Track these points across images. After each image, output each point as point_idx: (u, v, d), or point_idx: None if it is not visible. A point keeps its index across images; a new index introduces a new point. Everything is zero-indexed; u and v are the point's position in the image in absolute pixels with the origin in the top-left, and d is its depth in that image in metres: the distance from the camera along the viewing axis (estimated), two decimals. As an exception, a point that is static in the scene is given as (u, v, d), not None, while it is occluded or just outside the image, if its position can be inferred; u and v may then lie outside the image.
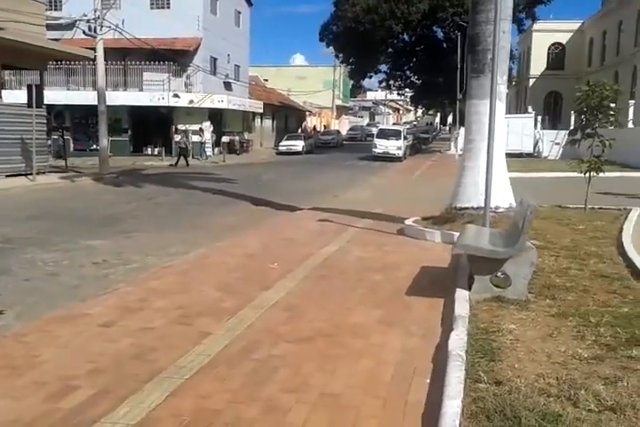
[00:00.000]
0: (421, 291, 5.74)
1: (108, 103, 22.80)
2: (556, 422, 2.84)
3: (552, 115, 42.76)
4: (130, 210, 12.97)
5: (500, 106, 8.54)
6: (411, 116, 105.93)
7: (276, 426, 3.14)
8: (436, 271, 6.64)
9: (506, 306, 4.90)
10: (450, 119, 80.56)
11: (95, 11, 21.64)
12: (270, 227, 10.24)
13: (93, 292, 5.91)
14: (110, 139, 24.51)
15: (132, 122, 32.55)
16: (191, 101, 31.64)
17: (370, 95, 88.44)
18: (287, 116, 50.63)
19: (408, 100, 69.67)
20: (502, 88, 8.83)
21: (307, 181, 19.72)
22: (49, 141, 23.30)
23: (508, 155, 10.32)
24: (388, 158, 31.06)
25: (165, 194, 16.03)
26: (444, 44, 37.61)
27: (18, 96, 22.32)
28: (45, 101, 19.74)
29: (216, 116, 33.98)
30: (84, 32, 21.99)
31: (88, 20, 21.86)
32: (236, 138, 36.31)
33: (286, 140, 39.22)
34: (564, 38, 44.05)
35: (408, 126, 51.25)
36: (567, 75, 44.32)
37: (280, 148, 38.54)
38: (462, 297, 5.09)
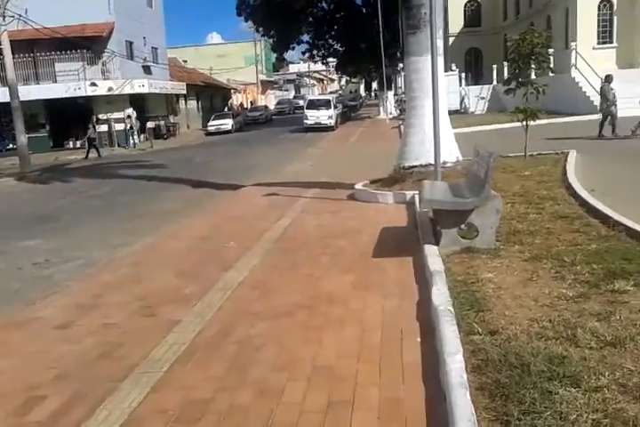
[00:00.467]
0: (388, 252, 5.60)
1: (20, 99, 21.40)
2: (564, 364, 2.75)
3: (474, 71, 43.36)
4: (62, 206, 12.25)
5: (439, 61, 8.39)
6: (335, 86, 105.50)
7: (274, 409, 2.92)
8: (396, 231, 6.52)
9: (477, 256, 4.82)
10: (374, 85, 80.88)
11: (-7, 0, 20.09)
12: (216, 207, 9.87)
13: (40, 293, 5.45)
14: (27, 136, 23.09)
15: (49, 116, 30.83)
16: (110, 89, 30.21)
17: (292, 68, 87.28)
18: (212, 95, 49.33)
19: (332, 69, 69.30)
20: (439, 43, 8.68)
21: (243, 159, 19.25)
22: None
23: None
24: (320, 128, 30.75)
25: (96, 186, 15.26)
26: (364, 10, 37.19)
27: None
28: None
29: (138, 102, 32.64)
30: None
31: (-14, 11, 20.28)
32: (162, 122, 35.09)
33: (214, 119, 38.22)
34: (478, -6, 44.57)
35: (336, 95, 50.98)
36: (485, 31, 44.90)
37: (209, 128, 37.54)
38: (432, 252, 4.98)
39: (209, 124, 37.98)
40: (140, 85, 31.30)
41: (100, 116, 30.80)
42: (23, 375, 3.59)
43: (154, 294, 5.06)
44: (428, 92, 8.67)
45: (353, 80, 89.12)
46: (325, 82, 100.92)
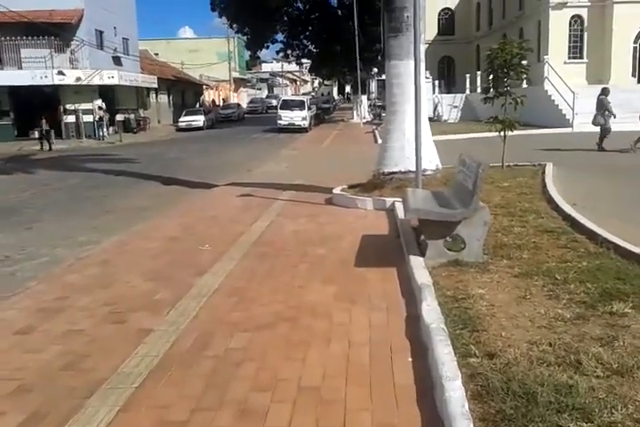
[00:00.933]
0: (370, 261, 5.41)
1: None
2: (572, 395, 2.59)
3: (446, 79, 43.70)
4: (25, 199, 11.76)
5: (420, 66, 8.25)
6: (308, 87, 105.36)
7: (258, 434, 2.69)
8: (378, 239, 6.33)
9: (465, 270, 4.66)
10: (348, 88, 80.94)
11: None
12: (188, 206, 9.55)
13: None
14: (-10, 123, 22.28)
15: (13, 104, 29.84)
16: (78, 79, 29.41)
17: (266, 67, 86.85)
18: (184, 90, 48.57)
19: (306, 70, 69.10)
20: (421, 47, 8.55)
21: (215, 157, 18.88)
22: None
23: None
24: (293, 130, 30.52)
25: (62, 179, 14.73)
26: (339, 12, 37.12)
27: None
28: None
29: (108, 94, 31.87)
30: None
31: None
32: (132, 116, 34.37)
33: (185, 115, 37.62)
34: (452, 3, 44.85)
35: (309, 97, 50.77)
36: (458, 39, 45.34)
37: (180, 124, 36.92)
38: (418, 264, 4.80)
39: (180, 119, 37.37)
40: (110, 77, 30.57)
41: (68, 106, 29.96)
42: (-22, 388, 3.27)
43: (123, 298, 4.76)
44: (408, 98, 8.55)
45: (326, 82, 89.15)
46: (299, 83, 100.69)
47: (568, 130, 21.08)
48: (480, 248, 4.90)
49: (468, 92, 34.34)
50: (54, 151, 24.26)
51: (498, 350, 3.15)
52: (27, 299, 4.86)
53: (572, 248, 5.16)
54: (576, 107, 21.52)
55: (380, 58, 38.13)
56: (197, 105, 49.10)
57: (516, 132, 11.19)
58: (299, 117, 31.05)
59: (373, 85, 52.86)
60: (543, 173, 10.27)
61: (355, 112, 38.94)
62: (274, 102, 61.50)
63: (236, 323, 4.05)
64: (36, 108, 27.51)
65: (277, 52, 41.79)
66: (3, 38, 28.49)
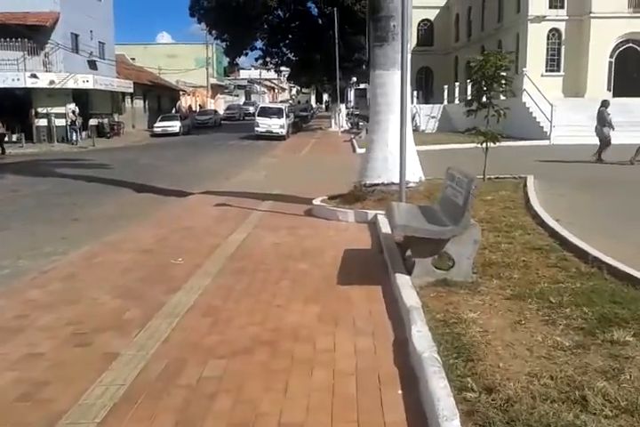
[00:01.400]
0: (353, 278, 5.15)
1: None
2: (582, 439, 2.35)
3: (425, 90, 43.92)
4: (-9, 205, 11.26)
5: (406, 76, 8.08)
6: (286, 95, 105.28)
7: (235, 483, 2.40)
8: (360, 254, 6.09)
9: (455, 290, 4.43)
10: (326, 97, 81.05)
11: None
12: (162, 216, 9.20)
13: (-46, 310, 4.72)
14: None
15: (-18, 106, 29.04)
16: (52, 82, 28.80)
17: (243, 74, 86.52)
18: (160, 96, 48.00)
19: (284, 78, 68.98)
20: (408, 57, 8.38)
21: (191, 164, 18.50)
22: None
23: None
24: (271, 137, 30.26)
25: (31, 184, 14.23)
26: (320, 21, 37.04)
27: None
28: None
29: (82, 98, 31.26)
30: None
31: None
32: (106, 120, 33.76)
33: (161, 121, 37.12)
34: (431, 15, 45.18)
35: (288, 104, 50.60)
36: (436, 50, 45.65)
37: (155, 129, 36.43)
38: (404, 283, 4.56)
39: (155, 125, 36.87)
40: (85, 81, 30.01)
41: (40, 109, 29.29)
42: None
43: (89, 317, 4.42)
44: (392, 108, 8.38)
45: (304, 90, 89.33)
46: (276, 90, 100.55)
47: (546, 142, 21.20)
48: (470, 267, 4.68)
49: (446, 102, 34.52)
50: (25, 155, 23.59)
51: (496, 383, 2.91)
52: (-17, 317, 4.49)
53: (562, 267, 4.98)
54: (554, 119, 21.68)
55: (363, 67, 38.18)
56: (174, 111, 48.63)
57: (498, 144, 11.10)
58: (277, 125, 30.81)
59: (351, 94, 52.98)
60: (525, 186, 10.16)
61: (333, 121, 38.83)
62: (251, 109, 61.16)
63: (211, 348, 3.75)
64: (7, 111, 26.80)
65: (256, 60, 41.60)
66: (-26, 39, 27.80)
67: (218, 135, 35.30)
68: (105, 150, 26.01)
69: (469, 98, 11.28)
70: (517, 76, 27.35)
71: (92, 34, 33.37)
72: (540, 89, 23.51)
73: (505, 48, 33.60)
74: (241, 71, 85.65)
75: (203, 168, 17.19)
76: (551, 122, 21.64)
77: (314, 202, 8.66)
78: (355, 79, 41.95)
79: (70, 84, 29.41)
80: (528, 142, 20.70)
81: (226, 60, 47.03)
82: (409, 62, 7.85)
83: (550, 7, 30.65)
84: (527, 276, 4.77)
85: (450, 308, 4.05)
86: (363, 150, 20.43)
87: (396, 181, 8.06)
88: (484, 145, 10.86)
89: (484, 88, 10.64)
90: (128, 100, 39.83)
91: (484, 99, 10.76)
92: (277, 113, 31.55)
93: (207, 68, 57.58)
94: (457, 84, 35.45)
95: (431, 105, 34.95)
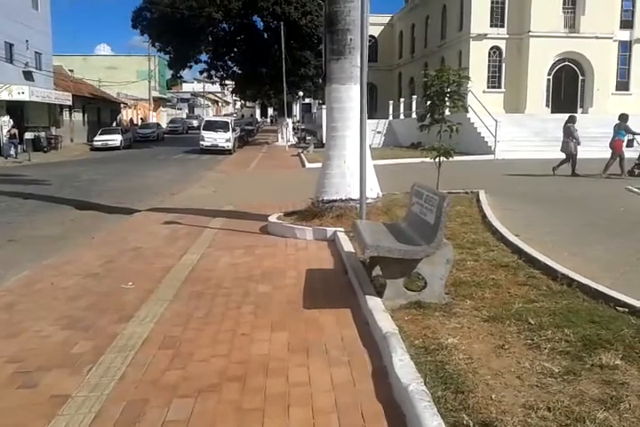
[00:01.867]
0: (320, 302, 4.89)
1: None
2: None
3: (369, 105, 44.45)
4: None
5: (364, 90, 7.94)
6: (230, 109, 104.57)
7: None
8: (324, 275, 5.83)
9: (429, 313, 4.23)
10: (271, 111, 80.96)
11: None
12: (107, 235, 8.70)
13: None
14: None
15: None
16: (-17, 93, 27.47)
17: (187, 87, 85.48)
18: (100, 108, 46.64)
19: (228, 91, 68.45)
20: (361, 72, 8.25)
21: (135, 180, 17.85)
22: None
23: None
24: (216, 151, 29.77)
25: (-39, 202, 13.34)
26: (265, 35, 36.94)
27: None
28: None
29: (16, 110, 29.95)
30: None
31: None
32: (42, 134, 32.40)
33: (101, 134, 36.00)
34: (375, 31, 45.84)
35: (234, 118, 50.12)
36: (380, 66, 46.27)
37: (95, 143, 35.29)
38: (376, 307, 4.33)
39: (95, 138, 35.75)
40: (20, 92, 28.81)
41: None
42: None
43: (33, 353, 3.98)
44: (349, 123, 8.25)
45: (248, 104, 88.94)
46: (220, 104, 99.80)
47: (490, 157, 21.62)
48: (442, 288, 4.50)
49: (391, 118, 34.92)
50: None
51: (492, 418, 2.70)
52: None
53: (533, 286, 4.87)
54: (497, 134, 22.17)
55: (309, 82, 38.22)
56: (114, 124, 47.36)
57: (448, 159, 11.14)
58: (222, 139, 30.35)
59: (297, 109, 53.07)
60: (478, 200, 10.19)
61: (279, 135, 38.66)
62: (195, 123, 60.46)
63: (173, 385, 3.41)
64: None
65: (201, 73, 41.05)
66: None
67: (161, 149, 34.48)
68: (42, 165, 24.89)
69: (423, 113, 11.26)
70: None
71: (28, 44, 32.10)
72: (484, 105, 24.02)
73: (448, 65, 34.48)
74: (184, 84, 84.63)
75: (147, 184, 16.61)
76: (495, 137, 22.12)
77: (269, 219, 8.37)
78: (301, 94, 41.92)
79: (4, 96, 28.17)
80: (473, 157, 21.04)
81: (169, 73, 46.25)
82: (365, 77, 7.75)
83: (491, 26, 31.61)
84: (499, 295, 4.63)
85: (427, 332, 3.84)
86: (312, 165, 20.36)
87: (354, 197, 7.91)
88: (437, 160, 10.84)
89: (437, 104, 10.64)
90: (66, 112, 38.47)
91: (437, 115, 10.75)
92: (223, 127, 31.10)
93: (149, 81, 56.47)
94: (402, 99, 35.95)
95: (376, 120, 35.27)
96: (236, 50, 37.57)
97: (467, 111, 10.89)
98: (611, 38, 31.87)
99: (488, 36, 31.57)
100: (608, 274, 5.45)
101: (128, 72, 56.11)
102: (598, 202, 10.64)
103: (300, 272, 5.90)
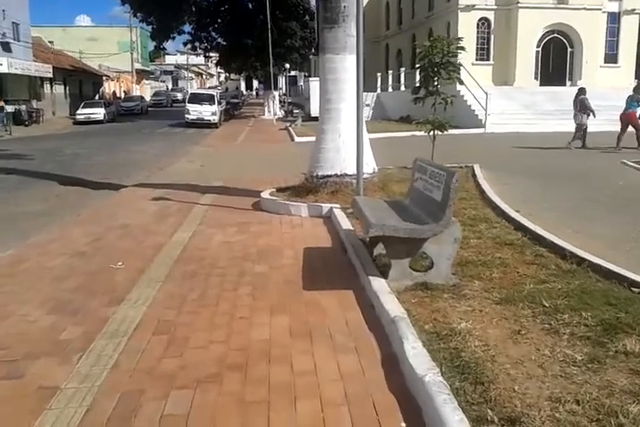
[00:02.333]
0: (320, 282, 4.68)
1: None
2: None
3: (357, 77, 43.76)
4: None
5: (361, 60, 7.60)
6: (214, 81, 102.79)
7: None
8: (322, 254, 5.61)
9: (437, 295, 4.04)
10: (256, 84, 79.63)
11: None
12: (95, 212, 8.39)
13: None
14: None
15: None
16: (-40, 64, 26.56)
17: (170, 59, 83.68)
18: (82, 81, 45.53)
19: (212, 64, 67.09)
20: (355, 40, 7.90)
21: (120, 154, 17.41)
22: None
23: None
24: (202, 125, 29.22)
25: (-60, 178, 12.88)
26: (250, 5, 35.98)
27: None
28: None
29: (-5, 82, 29.09)
30: None
31: None
32: (23, 107, 31.60)
33: (84, 107, 35.17)
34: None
35: (219, 91, 49.22)
36: (367, 39, 45.03)
37: (78, 116, 34.49)
38: (381, 288, 4.12)
39: (78, 112, 34.92)
40: (-2, 64, 27.88)
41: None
42: None
43: (19, 339, 3.74)
44: (344, 95, 7.93)
45: (233, 77, 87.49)
46: (204, 76, 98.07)
47: (481, 130, 21.38)
48: (449, 268, 4.30)
49: (379, 91, 34.41)
50: None
51: (518, 412, 2.52)
52: None
53: (541, 265, 4.70)
54: (488, 107, 21.89)
55: (304, 52, 37.41)
56: (97, 97, 46.36)
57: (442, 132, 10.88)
58: (208, 112, 29.77)
59: (283, 82, 52.19)
60: (474, 175, 10.00)
61: (266, 108, 38.02)
62: (179, 96, 59.42)
63: (170, 375, 3.19)
64: None
65: (184, 44, 40.03)
66: None
67: (145, 123, 33.78)
68: (23, 139, 24.27)
69: (416, 85, 10.94)
70: (450, 65, 27.54)
71: (5, 13, 31.05)
72: (474, 78, 23.63)
73: (441, 35, 33.89)
74: (167, 56, 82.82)
75: (133, 158, 16.19)
76: (486, 110, 21.84)
77: (262, 195, 8.10)
78: (287, 66, 41.14)
79: (-19, 68, 27.28)
80: (464, 131, 20.73)
81: (151, 45, 45.06)
82: (361, 46, 7.43)
83: (480, -4, 30.99)
84: (508, 275, 4.45)
85: (438, 316, 3.65)
86: (302, 139, 20.00)
87: (350, 172, 7.67)
88: (431, 133, 10.58)
89: (431, 75, 10.32)
90: (47, 85, 37.50)
91: (432, 87, 10.44)
92: (209, 100, 30.48)
93: (132, 53, 55.16)
94: (390, 72, 35.41)
95: (365, 93, 34.75)
96: (220, 21, 36.63)
97: (462, 83, 10.53)
98: (600, 10, 31.39)
99: (476, 6, 30.95)
100: (613, 252, 5.29)
101: (109, 44, 54.74)
102: (596, 176, 10.49)
103: (296, 251, 5.67)
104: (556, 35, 31.82)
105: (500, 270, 4.56)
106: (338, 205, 7.12)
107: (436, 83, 10.43)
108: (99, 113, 34.57)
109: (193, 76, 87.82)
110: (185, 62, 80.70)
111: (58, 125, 32.72)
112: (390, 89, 33.84)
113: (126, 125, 32.30)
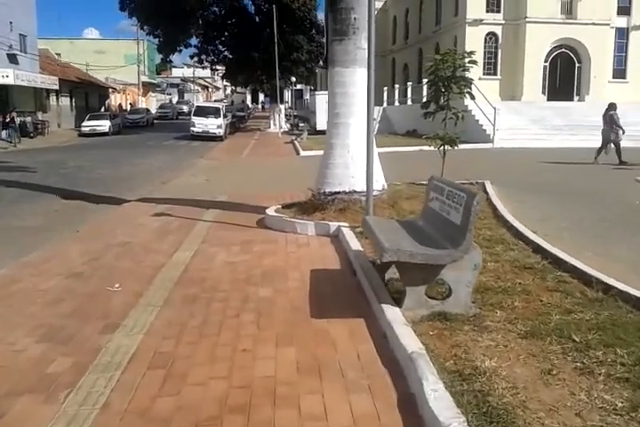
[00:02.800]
0: (329, 309, 4.38)
1: None
2: None
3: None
4: None
5: (366, 74, 7.38)
6: (220, 94, 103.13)
7: None
8: (330, 277, 5.32)
9: (457, 326, 3.73)
10: (262, 97, 79.82)
11: None
12: (94, 228, 8.13)
13: None
14: None
15: None
16: (-34, 76, 26.55)
17: (176, 72, 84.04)
18: (88, 93, 45.59)
19: (218, 77, 67.31)
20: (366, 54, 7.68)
21: (123, 167, 17.21)
22: None
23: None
24: (207, 138, 29.09)
25: (-59, 190, 12.67)
26: (257, 18, 36.05)
27: None
28: None
29: (1, 94, 29.01)
30: None
31: None
32: (29, 119, 31.57)
33: (89, 119, 35.12)
34: (368, 16, 45.10)
35: (225, 104, 49.24)
36: (374, 53, 45.49)
37: (83, 129, 34.44)
38: (396, 318, 3.82)
39: (83, 124, 34.89)
40: (4, 75, 27.88)
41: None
42: None
43: (3, 372, 3.45)
44: (353, 110, 7.69)
45: (239, 90, 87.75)
46: (210, 89, 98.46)
47: (489, 145, 21.13)
48: (469, 296, 4.00)
49: (385, 104, 34.29)
50: None
51: (557, 472, 2.21)
52: None
53: (565, 292, 4.39)
54: (496, 122, 21.66)
55: (311, 66, 37.35)
56: (103, 109, 46.39)
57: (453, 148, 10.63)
58: (214, 125, 29.66)
59: (289, 95, 52.21)
60: (485, 192, 9.71)
61: (272, 121, 37.93)
62: (185, 108, 59.51)
63: (165, 418, 2.89)
64: None
65: (191, 57, 40.16)
66: None
67: (151, 135, 33.69)
68: (27, 151, 24.15)
69: (426, 100, 10.70)
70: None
71: (12, 25, 31.09)
72: (482, 92, 23.44)
73: (452, 49, 33.81)
74: (174, 69, 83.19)
75: (136, 171, 15.98)
76: (494, 125, 21.59)
77: (267, 212, 7.83)
78: (294, 79, 41.12)
79: (-13, 79, 27.27)
80: (472, 146, 20.41)
81: (158, 58, 45.15)
82: (372, 60, 7.18)
83: (487, 11, 30.93)
84: (531, 304, 4.14)
85: (458, 352, 3.34)
86: (307, 153, 19.78)
87: (359, 189, 7.41)
88: (441, 149, 10.32)
89: (442, 90, 10.08)
90: (53, 97, 37.52)
91: (442, 101, 10.20)
92: (214, 112, 30.38)
93: (138, 66, 55.34)
94: (396, 86, 35.32)
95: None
96: (227, 34, 36.70)
97: (473, 98, 10.28)
98: (608, 25, 31.29)
99: (484, 21, 30.90)
100: (637, 277, 4.97)
101: (116, 56, 54.98)
102: (609, 194, 10.19)
103: (303, 273, 5.38)
104: (563, 49, 31.71)
105: (522, 298, 4.25)
106: (346, 224, 6.84)
107: (446, 97, 10.22)
108: (104, 125, 34.51)
109: (199, 88, 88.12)
110: (191, 75, 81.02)
111: (63, 137, 32.64)
112: (397, 103, 33.72)
113: (131, 138, 32.20)
